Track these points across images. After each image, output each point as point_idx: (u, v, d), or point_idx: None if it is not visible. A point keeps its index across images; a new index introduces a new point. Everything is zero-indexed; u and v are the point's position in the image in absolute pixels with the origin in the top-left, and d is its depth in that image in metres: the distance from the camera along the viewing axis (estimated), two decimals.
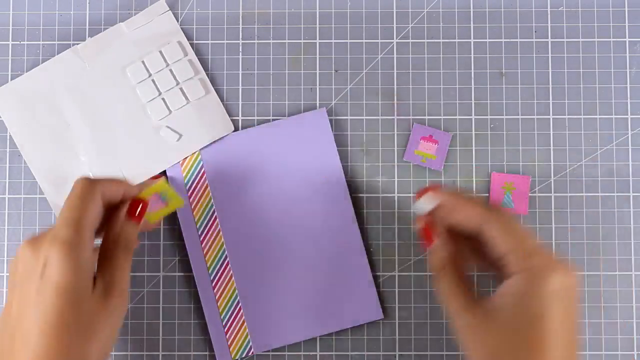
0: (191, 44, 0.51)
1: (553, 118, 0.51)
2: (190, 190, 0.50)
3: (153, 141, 0.50)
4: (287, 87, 0.52)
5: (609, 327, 0.50)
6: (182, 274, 0.51)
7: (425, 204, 0.43)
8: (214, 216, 0.50)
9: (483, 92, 0.51)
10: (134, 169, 0.50)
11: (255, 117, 0.51)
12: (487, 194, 0.51)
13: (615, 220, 0.51)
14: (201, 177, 0.50)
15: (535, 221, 0.51)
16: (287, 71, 0.52)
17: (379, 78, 0.52)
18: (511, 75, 0.52)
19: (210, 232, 0.50)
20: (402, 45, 0.52)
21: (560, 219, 0.51)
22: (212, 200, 0.50)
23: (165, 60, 0.50)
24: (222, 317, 0.49)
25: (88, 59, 0.51)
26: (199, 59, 0.51)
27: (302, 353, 0.50)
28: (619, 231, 0.51)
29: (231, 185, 0.50)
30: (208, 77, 0.51)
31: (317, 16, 0.52)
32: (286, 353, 0.50)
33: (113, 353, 0.50)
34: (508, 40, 0.52)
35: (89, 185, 0.40)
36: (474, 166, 0.51)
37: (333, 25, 0.52)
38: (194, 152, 0.50)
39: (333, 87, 0.52)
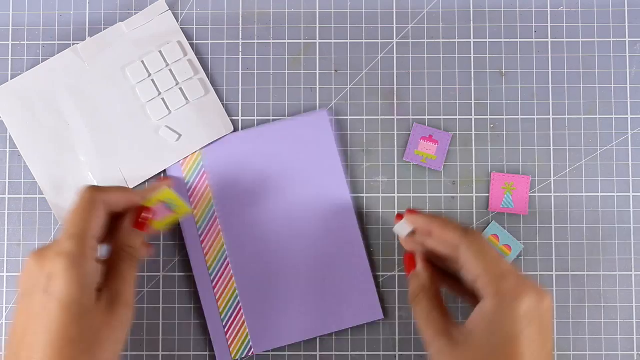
0: (191, 44, 0.51)
1: (553, 118, 0.51)
2: (191, 191, 0.50)
3: (152, 141, 0.50)
4: (287, 87, 0.51)
5: (609, 327, 0.50)
6: (182, 274, 0.51)
7: (402, 229, 0.44)
8: (214, 216, 0.50)
9: (483, 92, 0.51)
10: (133, 168, 0.50)
11: (255, 117, 0.51)
12: (487, 194, 0.51)
13: (615, 220, 0.51)
14: (202, 178, 0.50)
15: (535, 221, 0.51)
16: (287, 71, 0.52)
17: (379, 78, 0.51)
18: (511, 75, 0.52)
19: (210, 232, 0.50)
20: (402, 45, 0.52)
21: (560, 219, 0.51)
22: (213, 201, 0.50)
23: (165, 60, 0.50)
24: (222, 317, 0.49)
25: (88, 59, 0.51)
26: (198, 59, 0.51)
27: (302, 353, 0.50)
28: (619, 231, 0.51)
29: (232, 185, 0.50)
30: (208, 77, 0.51)
31: (317, 16, 0.52)
32: (286, 353, 0.50)
33: None
34: (508, 40, 0.52)
35: (92, 195, 0.40)
36: (474, 166, 0.51)
37: (333, 25, 0.52)
38: (195, 152, 0.50)
39: (333, 87, 0.52)
